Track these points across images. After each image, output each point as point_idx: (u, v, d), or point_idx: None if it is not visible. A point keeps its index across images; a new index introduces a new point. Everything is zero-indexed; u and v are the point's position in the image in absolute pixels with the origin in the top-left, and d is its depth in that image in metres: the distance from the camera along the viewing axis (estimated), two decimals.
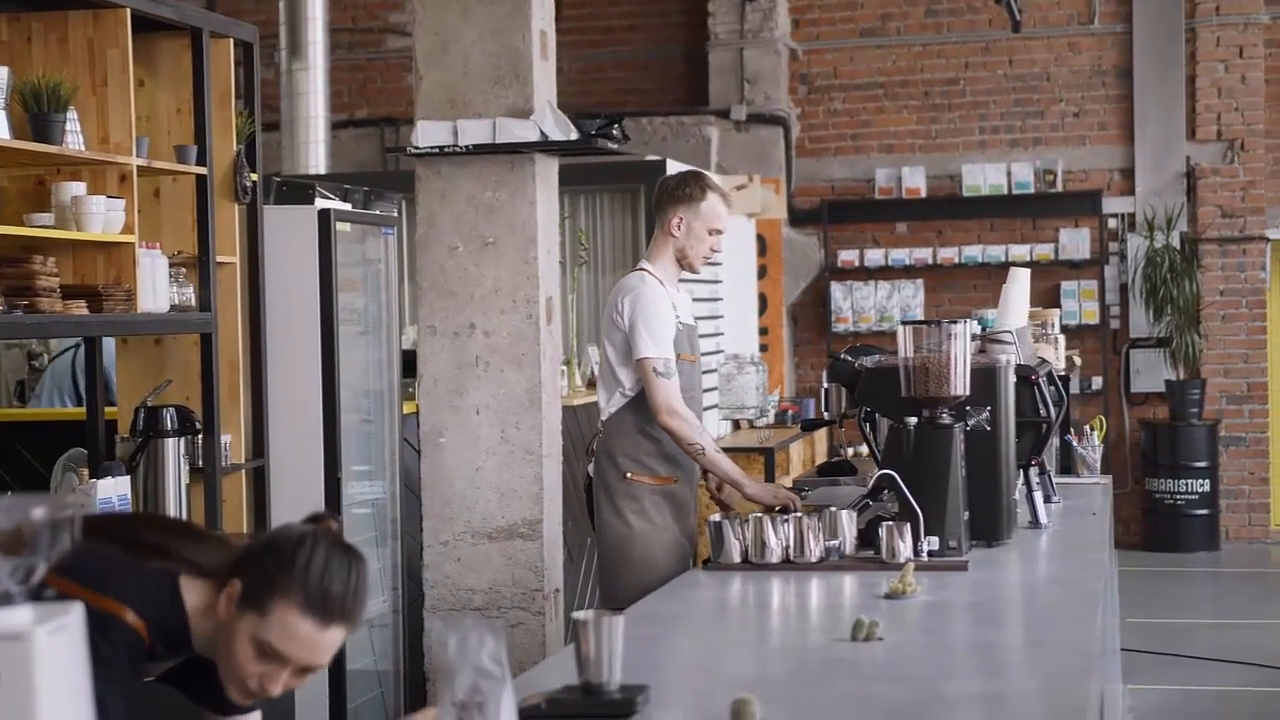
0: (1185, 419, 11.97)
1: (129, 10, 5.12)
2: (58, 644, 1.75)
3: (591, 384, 7.72)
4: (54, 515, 1.79)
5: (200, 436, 5.49)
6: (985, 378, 4.51)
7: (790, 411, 10.94)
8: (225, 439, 5.68)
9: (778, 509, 4.93)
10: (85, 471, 5.34)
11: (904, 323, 4.42)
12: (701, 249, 5.23)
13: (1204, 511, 11.97)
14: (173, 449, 5.36)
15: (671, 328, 5.11)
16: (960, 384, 4.36)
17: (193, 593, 2.59)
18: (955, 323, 4.39)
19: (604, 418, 5.23)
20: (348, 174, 10.83)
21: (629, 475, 5.14)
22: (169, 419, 5.35)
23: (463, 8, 5.80)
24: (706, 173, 5.42)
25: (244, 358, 5.87)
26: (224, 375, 5.68)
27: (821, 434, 11.23)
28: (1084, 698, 2.78)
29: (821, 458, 10.63)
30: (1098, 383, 12.25)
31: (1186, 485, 11.93)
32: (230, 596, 2.54)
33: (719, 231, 5.25)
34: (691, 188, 5.22)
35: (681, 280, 5.37)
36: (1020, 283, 5.51)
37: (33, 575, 1.78)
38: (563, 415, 6.01)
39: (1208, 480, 11.96)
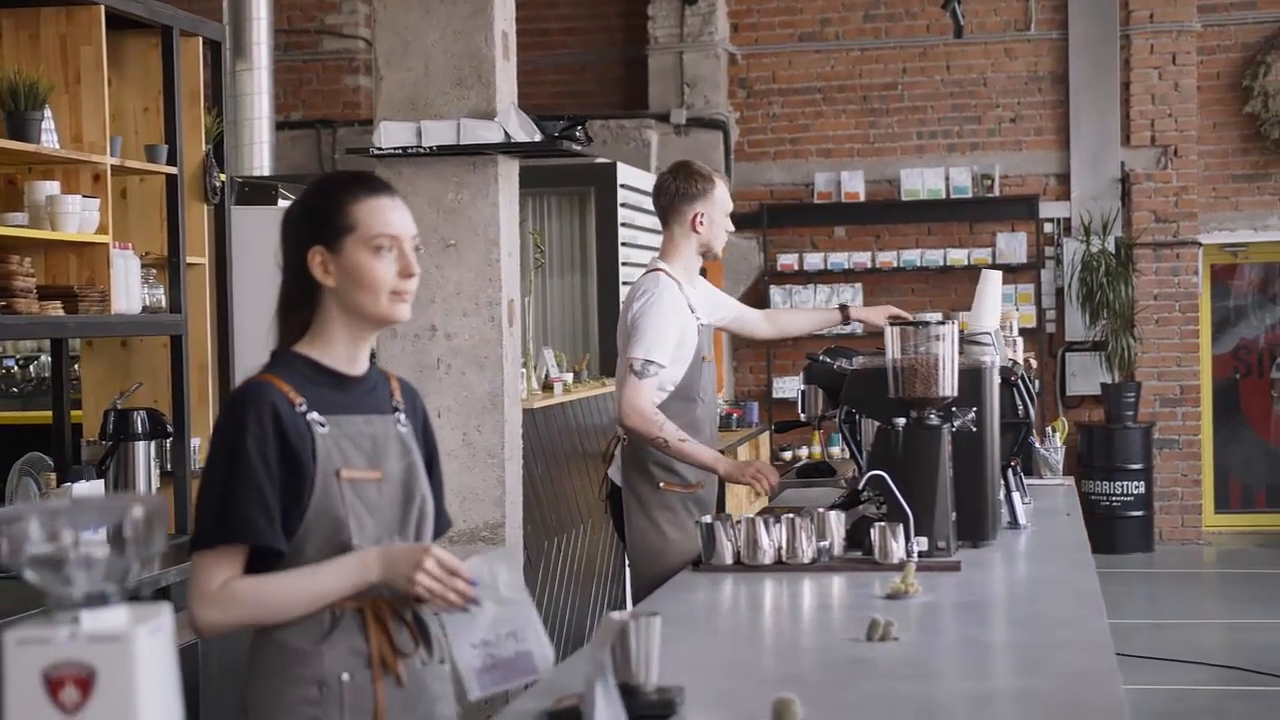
0: (1120, 422, 12.10)
1: (103, 7, 5.05)
2: (155, 644, 1.73)
3: (548, 387, 7.69)
4: (150, 514, 1.76)
5: (170, 440, 5.42)
6: (971, 378, 4.52)
7: (735, 415, 10.97)
8: (194, 442, 5.61)
9: (757, 486, 5.01)
10: (51, 476, 5.25)
11: (892, 323, 4.41)
12: (723, 235, 5.26)
13: (1139, 513, 12.12)
14: (143, 452, 5.29)
15: (674, 333, 5.05)
16: (948, 385, 4.36)
17: (304, 344, 2.90)
18: (943, 323, 4.39)
19: (628, 424, 5.09)
20: (293, 175, 10.73)
21: (662, 485, 5.09)
22: (140, 422, 5.28)
23: (424, 7, 5.78)
24: (694, 161, 5.39)
25: (212, 360, 5.80)
26: (192, 378, 5.61)
27: (764, 437, 11.26)
28: (1116, 696, 2.79)
29: (767, 459, 10.65)
30: (1034, 386, 12.35)
31: (1122, 487, 12.06)
32: (323, 263, 2.82)
33: (729, 211, 5.29)
34: (701, 182, 5.19)
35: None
36: (993, 284, 5.54)
37: (129, 576, 1.74)
38: (522, 418, 5.98)
39: (1142, 482, 12.10)
